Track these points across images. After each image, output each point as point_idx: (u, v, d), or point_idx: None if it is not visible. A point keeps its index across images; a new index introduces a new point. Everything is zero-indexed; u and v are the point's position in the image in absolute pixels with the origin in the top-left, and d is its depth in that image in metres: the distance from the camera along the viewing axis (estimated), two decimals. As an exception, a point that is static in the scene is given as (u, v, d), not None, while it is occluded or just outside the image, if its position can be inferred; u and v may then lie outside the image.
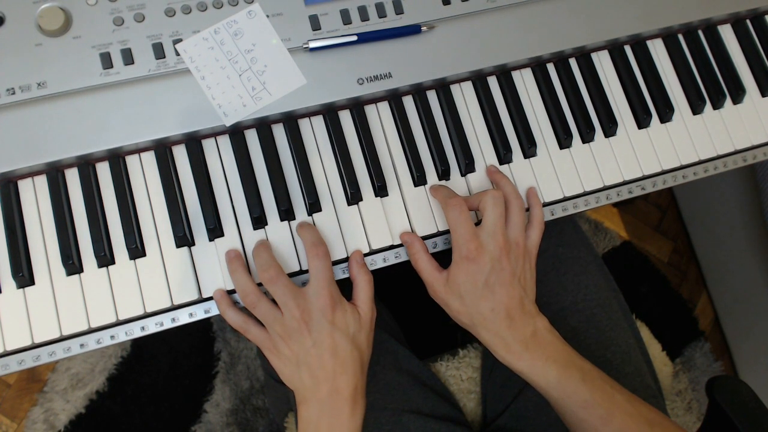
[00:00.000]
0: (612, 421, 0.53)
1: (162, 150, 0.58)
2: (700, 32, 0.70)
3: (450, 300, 0.56)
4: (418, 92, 0.63)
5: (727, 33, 0.71)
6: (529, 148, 0.63)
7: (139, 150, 0.58)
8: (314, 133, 0.61)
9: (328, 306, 0.52)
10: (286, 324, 0.52)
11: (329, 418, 0.52)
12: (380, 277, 0.62)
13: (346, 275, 0.59)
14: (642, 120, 0.66)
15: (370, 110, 0.62)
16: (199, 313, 0.56)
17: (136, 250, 0.55)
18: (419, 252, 0.58)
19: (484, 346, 0.76)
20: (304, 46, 0.59)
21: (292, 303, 0.52)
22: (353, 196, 0.59)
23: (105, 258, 0.55)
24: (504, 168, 0.63)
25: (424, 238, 0.60)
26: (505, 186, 0.60)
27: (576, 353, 0.56)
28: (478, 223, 0.57)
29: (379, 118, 0.62)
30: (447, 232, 0.61)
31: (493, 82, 0.65)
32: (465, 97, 0.64)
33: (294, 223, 0.59)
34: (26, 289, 0.54)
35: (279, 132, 0.60)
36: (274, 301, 0.54)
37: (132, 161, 0.58)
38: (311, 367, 0.52)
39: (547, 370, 0.54)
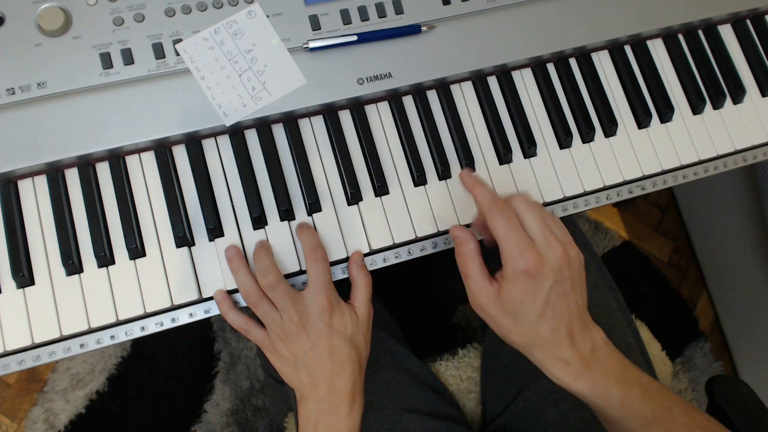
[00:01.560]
0: None
1: (162, 150, 0.58)
2: (700, 32, 0.70)
3: (499, 318, 0.49)
4: (418, 92, 0.63)
5: (727, 33, 0.71)
6: (529, 148, 0.63)
7: (139, 150, 0.58)
8: (314, 133, 0.61)
9: (326, 310, 0.53)
10: (285, 327, 0.53)
11: (328, 415, 0.53)
12: (380, 276, 0.62)
13: (346, 275, 0.59)
14: (642, 120, 0.66)
15: (370, 110, 0.62)
16: (199, 313, 0.57)
17: (136, 250, 0.55)
18: (471, 253, 0.50)
19: (483, 346, 0.77)
20: (304, 46, 0.59)
21: (291, 308, 0.53)
22: (353, 196, 0.59)
23: (105, 258, 0.55)
24: (504, 168, 0.63)
25: (423, 239, 0.60)
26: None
27: (631, 364, 0.50)
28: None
29: (379, 118, 0.62)
30: (447, 232, 0.61)
31: (493, 82, 0.65)
32: (465, 97, 0.64)
33: (294, 223, 0.59)
34: (26, 289, 0.54)
35: (279, 132, 0.60)
36: (274, 302, 0.54)
37: (132, 161, 0.58)
38: (309, 367, 0.53)
39: (610, 389, 0.48)
